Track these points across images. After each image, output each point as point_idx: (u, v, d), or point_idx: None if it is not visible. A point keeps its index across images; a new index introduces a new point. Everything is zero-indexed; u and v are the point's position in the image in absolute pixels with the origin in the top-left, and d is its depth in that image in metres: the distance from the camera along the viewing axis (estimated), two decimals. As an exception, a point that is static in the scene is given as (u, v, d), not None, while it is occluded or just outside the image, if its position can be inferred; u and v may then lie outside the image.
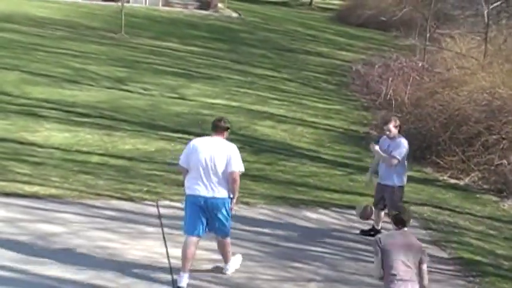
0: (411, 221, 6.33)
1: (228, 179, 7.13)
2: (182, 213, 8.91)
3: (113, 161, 10.77)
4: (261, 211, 9.37)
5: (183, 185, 7.36)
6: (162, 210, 9.05)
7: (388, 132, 8.64)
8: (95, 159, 10.83)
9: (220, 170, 7.10)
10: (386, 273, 6.00)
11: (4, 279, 6.90)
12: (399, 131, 8.69)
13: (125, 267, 7.45)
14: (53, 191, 9.28)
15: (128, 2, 27.11)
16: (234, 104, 15.30)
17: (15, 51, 18.17)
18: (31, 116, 12.74)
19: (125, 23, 21.95)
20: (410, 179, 11.53)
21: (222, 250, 7.50)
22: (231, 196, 7.23)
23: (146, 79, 16.75)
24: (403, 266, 5.95)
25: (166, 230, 8.44)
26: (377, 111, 15.57)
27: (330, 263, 8.13)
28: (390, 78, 16.55)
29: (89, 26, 23.03)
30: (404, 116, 14.05)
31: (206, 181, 7.10)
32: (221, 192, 7.14)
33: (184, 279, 7.17)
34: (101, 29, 22.67)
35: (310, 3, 39.27)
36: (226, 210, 7.24)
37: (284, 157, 12.01)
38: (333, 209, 9.81)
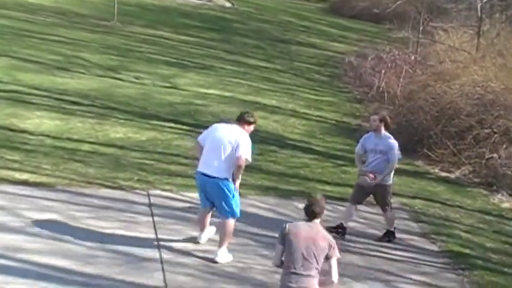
0: (324, 213, 5.89)
1: (233, 164, 7.40)
2: (172, 203, 8.92)
3: (103, 149, 10.72)
4: (251, 202, 9.36)
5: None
6: (153, 199, 9.03)
7: (371, 122, 8.52)
8: (86, 147, 10.79)
9: (226, 152, 7.39)
10: (285, 264, 5.75)
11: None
12: (386, 129, 8.48)
13: (115, 255, 7.43)
14: (44, 178, 9.23)
15: (121, -11, 26.91)
16: (227, 94, 15.26)
17: (5, 37, 18.03)
18: (21, 103, 12.66)
19: (117, 11, 21.83)
20: (401, 171, 11.57)
21: (220, 231, 7.69)
22: (233, 179, 7.49)
23: (138, 68, 16.67)
24: (301, 259, 5.67)
25: (156, 218, 8.43)
26: (369, 103, 15.57)
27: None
28: (383, 71, 16.55)
29: (81, 14, 22.89)
30: (397, 108, 14.06)
31: (210, 160, 7.45)
32: (221, 173, 7.41)
33: (201, 236, 7.86)
34: (93, 16, 22.54)
35: (304, -6, 39.09)
36: (224, 191, 7.45)
37: (276, 148, 11.99)
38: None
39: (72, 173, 9.59)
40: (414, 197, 10.38)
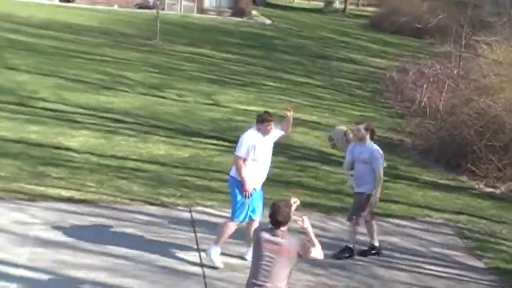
0: (290, 219, 5.68)
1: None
2: (214, 219, 8.97)
3: (146, 167, 10.86)
4: (293, 217, 9.34)
5: None
6: (195, 216, 9.10)
7: (356, 132, 8.26)
8: (130, 164, 10.94)
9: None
10: (250, 273, 5.57)
11: (41, 283, 7.00)
12: (372, 138, 8.19)
13: (159, 270, 7.50)
14: (89, 195, 9.40)
15: (163, 9, 27.36)
16: (267, 110, 15.30)
17: (52, 58, 18.47)
18: (67, 122, 12.93)
19: (159, 30, 22.17)
20: (445, 187, 11.47)
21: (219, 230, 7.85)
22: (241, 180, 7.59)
23: (180, 85, 16.88)
24: (262, 269, 5.48)
25: (199, 235, 8.48)
26: (411, 118, 15.45)
27: (365, 270, 8.07)
28: (425, 85, 16.43)
29: (125, 33, 23.32)
30: (439, 123, 13.92)
31: None
32: (232, 171, 7.70)
33: (248, 252, 7.60)
34: (136, 36, 22.94)
35: (344, 10, 39.15)
36: (232, 190, 7.65)
37: (317, 164, 11.98)
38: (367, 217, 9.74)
39: (116, 190, 9.73)
40: (459, 213, 10.23)
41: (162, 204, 9.37)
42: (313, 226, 9.18)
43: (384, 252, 8.51)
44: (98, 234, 8.23)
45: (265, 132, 7.68)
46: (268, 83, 18.15)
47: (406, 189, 11.14)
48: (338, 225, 9.27)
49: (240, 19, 30.25)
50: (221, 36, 24.95)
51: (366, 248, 8.41)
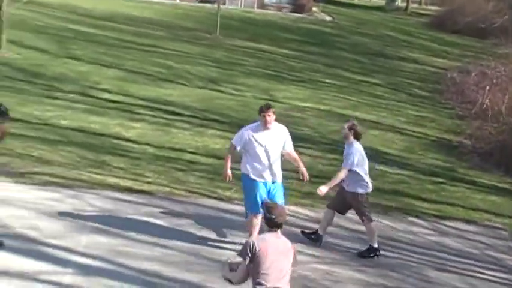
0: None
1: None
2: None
3: (203, 160, 10.98)
4: (347, 216, 9.32)
5: None
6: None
7: (341, 130, 8.27)
8: (187, 157, 11.08)
9: None
10: (257, 280, 5.33)
11: (95, 270, 7.16)
12: (355, 137, 8.11)
13: (212, 263, 7.57)
14: (146, 186, 9.55)
15: (224, 4, 27.52)
16: (323, 107, 15.28)
17: (114, 49, 18.83)
18: (127, 113, 13.17)
19: (219, 25, 22.32)
20: (502, 190, 11.21)
21: None
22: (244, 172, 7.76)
23: (239, 80, 16.98)
24: (275, 271, 5.32)
25: (253, 229, 8.50)
26: (472, 120, 15.17)
27: (417, 272, 7.99)
28: (487, 87, 16.08)
29: (185, 27, 23.57)
30: (501, 126, 13.63)
31: None
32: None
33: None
34: (197, 29, 23.15)
35: (406, 9, 38.65)
36: (242, 185, 7.81)
37: (373, 163, 11.86)
38: (423, 218, 9.64)
39: (173, 181, 9.86)
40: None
41: (218, 198, 9.45)
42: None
43: (438, 253, 8.40)
44: (152, 225, 8.35)
45: (264, 124, 7.64)
46: (325, 80, 18.08)
47: (464, 192, 10.96)
48: (392, 225, 9.20)
49: (300, 15, 30.18)
50: (280, 31, 24.96)
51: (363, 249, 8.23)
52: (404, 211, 9.82)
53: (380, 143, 13.10)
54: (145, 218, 8.51)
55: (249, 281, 5.45)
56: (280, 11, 31.17)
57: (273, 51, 21.25)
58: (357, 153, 8.03)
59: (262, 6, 31.31)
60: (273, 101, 15.41)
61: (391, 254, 8.38)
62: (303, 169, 7.86)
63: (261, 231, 5.93)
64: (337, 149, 12.31)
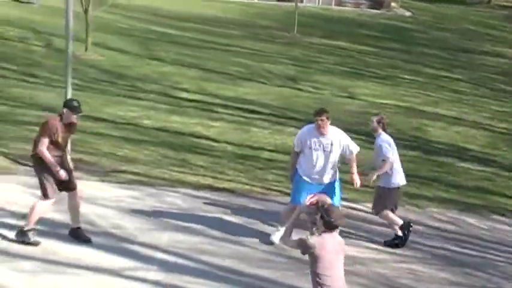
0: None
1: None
2: (348, 210, 8.95)
3: (281, 157, 11.00)
4: (430, 214, 9.18)
5: None
6: (329, 208, 9.08)
7: (371, 124, 8.28)
8: (265, 155, 11.15)
9: None
10: (324, 282, 5.31)
11: (178, 267, 7.30)
12: (383, 129, 8.19)
13: (289, 261, 7.58)
14: (226, 184, 9.67)
15: (302, 1, 27.50)
16: (403, 104, 15.05)
17: (194, 49, 19.12)
18: (207, 112, 13.36)
19: (297, 23, 22.31)
20: None
21: None
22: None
23: (317, 78, 16.94)
24: (338, 272, 5.37)
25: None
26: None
27: (503, 271, 7.78)
28: None
29: (263, 25, 23.68)
30: None
31: None
32: None
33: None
34: (274, 28, 23.23)
35: (489, 1, 37.56)
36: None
37: (455, 160, 11.63)
38: (508, 215, 9.38)
39: (252, 179, 9.95)
40: None
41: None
42: (450, 223, 8.99)
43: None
44: (231, 223, 8.45)
45: (317, 128, 7.62)
46: (405, 76, 17.79)
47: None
48: (475, 223, 8.99)
49: (378, 11, 29.82)
50: (358, 28, 24.72)
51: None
52: (489, 209, 9.58)
53: (462, 140, 12.80)
54: (224, 216, 8.63)
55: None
56: (358, 7, 30.86)
57: (351, 48, 21.07)
58: (386, 144, 8.11)
59: (340, 3, 31.08)
60: (352, 98, 15.32)
61: (476, 252, 8.19)
62: (353, 173, 7.83)
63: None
64: (420, 146, 12.12)
